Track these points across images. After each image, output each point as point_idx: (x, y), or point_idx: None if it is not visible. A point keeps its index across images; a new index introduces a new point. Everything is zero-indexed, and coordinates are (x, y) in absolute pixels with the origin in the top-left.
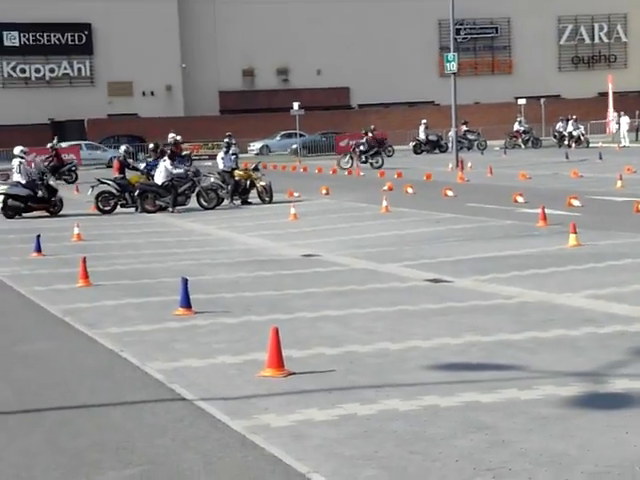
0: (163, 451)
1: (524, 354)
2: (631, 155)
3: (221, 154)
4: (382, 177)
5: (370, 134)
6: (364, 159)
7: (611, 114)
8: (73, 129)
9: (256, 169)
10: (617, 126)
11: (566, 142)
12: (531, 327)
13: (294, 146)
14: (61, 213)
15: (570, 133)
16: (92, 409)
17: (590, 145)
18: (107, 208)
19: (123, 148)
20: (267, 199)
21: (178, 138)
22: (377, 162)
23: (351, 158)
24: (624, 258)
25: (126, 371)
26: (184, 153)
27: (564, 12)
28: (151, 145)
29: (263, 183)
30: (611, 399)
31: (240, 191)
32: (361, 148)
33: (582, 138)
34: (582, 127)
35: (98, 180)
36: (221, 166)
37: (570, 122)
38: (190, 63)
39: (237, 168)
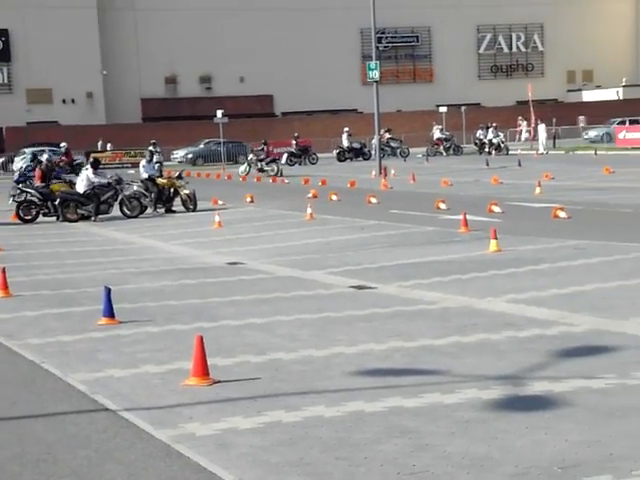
0: (86, 462)
1: (447, 359)
2: (549, 162)
3: (143, 162)
4: (306, 184)
5: (294, 141)
6: (260, 167)
7: (522, 122)
8: None
9: (180, 177)
10: (527, 135)
11: (487, 149)
12: (453, 332)
13: (189, 155)
14: None
15: (490, 140)
16: (12, 421)
17: (510, 152)
18: (29, 217)
19: (45, 156)
20: (191, 207)
21: (66, 146)
22: (272, 170)
23: (249, 165)
24: (542, 263)
25: (48, 382)
26: (76, 162)
27: (483, 22)
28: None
29: (187, 191)
30: (531, 401)
31: (164, 199)
32: (260, 157)
33: (502, 145)
34: (502, 134)
35: (19, 189)
36: (143, 174)
37: (490, 130)
38: (111, 70)
39: (160, 176)
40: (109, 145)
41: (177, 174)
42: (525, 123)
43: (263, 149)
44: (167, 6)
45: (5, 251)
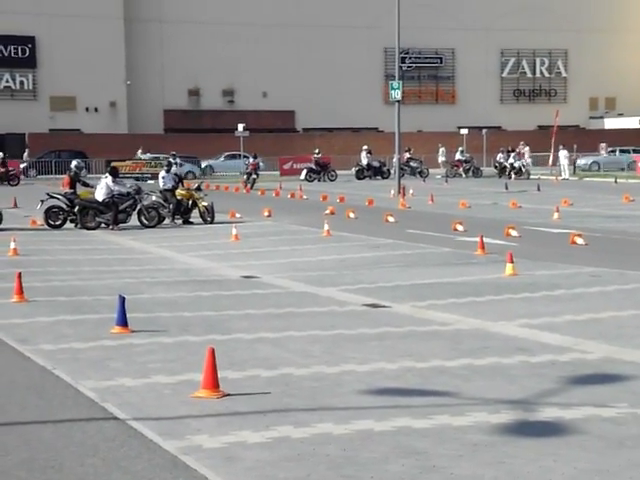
0: (92, 470)
1: (458, 381)
2: (568, 188)
3: (162, 173)
4: (324, 201)
5: (315, 156)
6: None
7: (523, 147)
8: (14, 143)
9: (198, 189)
10: (530, 160)
11: (507, 172)
12: (465, 354)
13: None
14: None
15: (512, 164)
16: (21, 426)
17: (530, 177)
18: (56, 223)
19: (74, 163)
20: (209, 219)
21: (1, 155)
22: (249, 181)
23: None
24: (558, 289)
25: (58, 389)
26: (11, 172)
27: (507, 46)
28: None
29: (205, 203)
30: (540, 427)
31: (182, 210)
32: (248, 170)
33: (523, 170)
34: (523, 159)
35: (48, 194)
36: (161, 185)
37: (512, 154)
38: (135, 80)
39: (178, 187)
40: (149, 154)
41: (196, 186)
42: (527, 148)
43: (249, 163)
44: (193, 19)
45: (22, 256)
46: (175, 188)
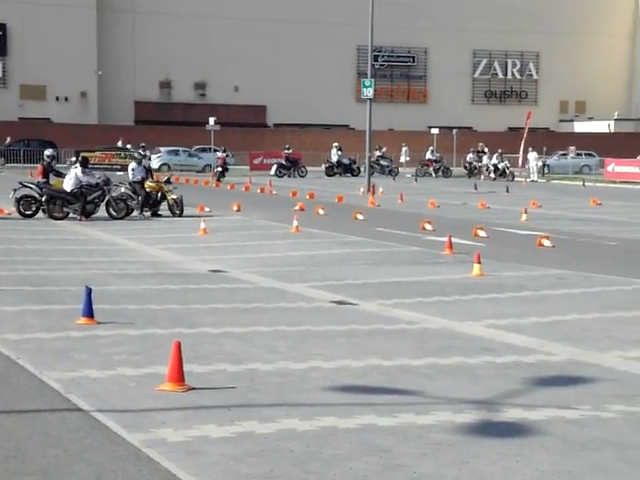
0: (55, 462)
1: (423, 380)
2: (537, 190)
3: (133, 164)
4: (294, 197)
5: (286, 152)
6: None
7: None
8: None
9: (168, 182)
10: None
11: (490, 175)
12: (431, 353)
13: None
14: None
15: (495, 165)
16: None
17: (515, 179)
18: (29, 212)
19: (47, 153)
20: (177, 212)
21: None
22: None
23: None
24: (524, 290)
25: (22, 379)
26: None
27: (479, 46)
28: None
29: (174, 196)
30: (504, 428)
31: (151, 203)
32: (217, 164)
33: (507, 171)
34: (507, 160)
35: (20, 183)
36: (131, 177)
37: (495, 155)
38: (106, 70)
39: (147, 179)
40: (129, 145)
41: (165, 178)
42: (430, 148)
43: (217, 157)
44: (167, 11)
45: None
46: (144, 180)
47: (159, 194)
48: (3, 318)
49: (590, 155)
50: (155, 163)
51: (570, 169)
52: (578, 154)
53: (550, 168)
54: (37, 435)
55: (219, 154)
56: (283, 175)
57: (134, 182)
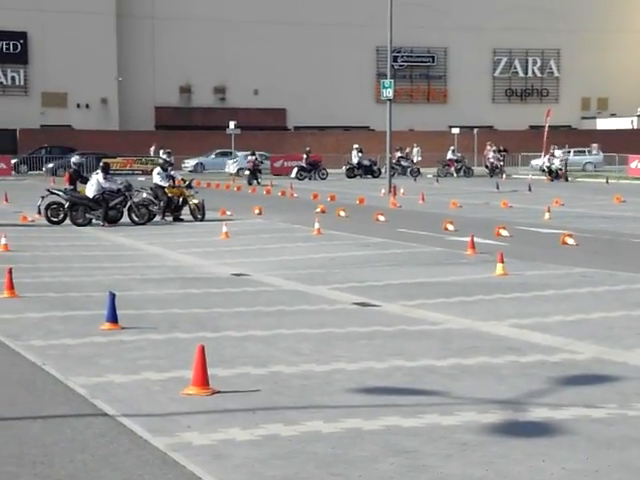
0: (82, 467)
1: (447, 380)
2: (560, 188)
3: (158, 169)
4: (315, 199)
5: (305, 155)
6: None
7: (489, 147)
8: (4, 138)
9: (189, 186)
10: (494, 161)
11: (549, 177)
12: (455, 354)
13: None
14: None
15: (549, 167)
16: (11, 422)
17: (569, 180)
18: (56, 219)
19: (73, 160)
20: (199, 217)
21: None
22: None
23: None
24: (548, 289)
25: (48, 385)
26: None
27: (499, 45)
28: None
29: (196, 201)
30: (530, 427)
31: (172, 208)
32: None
33: (560, 172)
34: (558, 160)
35: (48, 190)
36: (159, 181)
37: (548, 156)
38: (127, 77)
39: (173, 185)
40: (162, 151)
41: (187, 183)
42: (494, 148)
43: (248, 160)
44: (185, 16)
45: (13, 252)
46: (171, 186)
47: (180, 199)
48: (28, 325)
49: (590, 151)
50: (233, 168)
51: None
52: (581, 151)
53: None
54: (64, 440)
55: (248, 157)
56: (304, 178)
57: (156, 187)
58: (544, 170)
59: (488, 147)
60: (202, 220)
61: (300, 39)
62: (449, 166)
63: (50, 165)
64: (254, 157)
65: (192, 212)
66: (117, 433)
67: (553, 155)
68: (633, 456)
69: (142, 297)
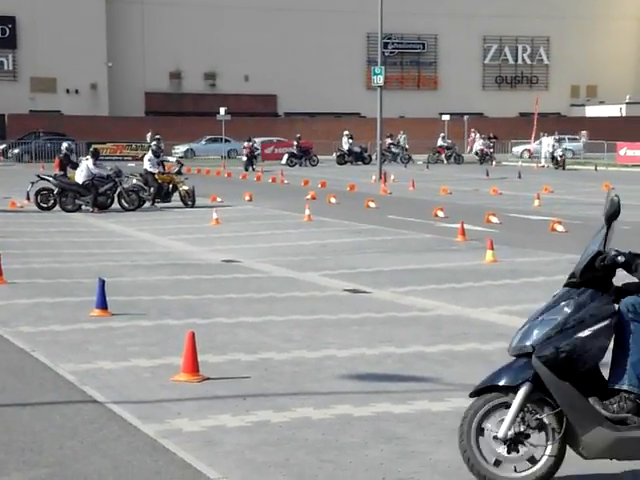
0: (71, 453)
1: (437, 366)
2: (549, 175)
3: (150, 155)
4: (306, 186)
5: (296, 142)
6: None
7: (474, 134)
8: None
9: (179, 172)
10: (480, 147)
11: (548, 164)
12: (445, 340)
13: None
14: None
15: (552, 153)
16: (0, 409)
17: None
18: (46, 205)
19: (64, 145)
20: (190, 203)
21: None
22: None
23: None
24: (538, 276)
25: (37, 371)
26: None
27: (489, 32)
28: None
29: (186, 187)
30: None
31: (162, 194)
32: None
33: (560, 159)
34: (557, 146)
35: (38, 176)
36: (149, 167)
37: (552, 139)
38: (116, 62)
39: (163, 172)
40: (148, 136)
41: (176, 170)
42: (478, 135)
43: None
44: (175, 1)
45: (1, 238)
46: (161, 173)
47: (170, 185)
48: (17, 311)
49: (574, 139)
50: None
51: (548, 154)
52: (561, 138)
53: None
54: (53, 427)
55: (245, 143)
56: (294, 164)
57: (147, 173)
58: (477, 153)
59: (472, 134)
60: (192, 206)
61: (291, 25)
62: (439, 153)
63: (16, 151)
64: (251, 143)
65: (182, 199)
66: (107, 420)
67: (540, 143)
68: None
69: (132, 283)
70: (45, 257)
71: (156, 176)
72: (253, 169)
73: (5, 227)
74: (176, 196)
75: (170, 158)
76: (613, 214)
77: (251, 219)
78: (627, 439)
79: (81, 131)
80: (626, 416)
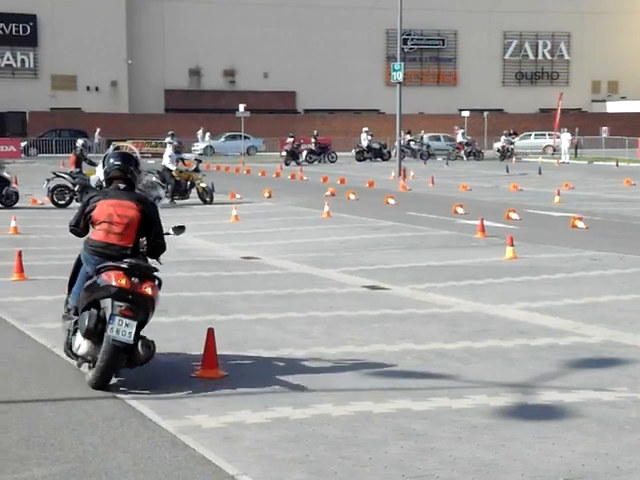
0: (92, 449)
1: (457, 363)
2: (570, 171)
3: (170, 151)
4: (325, 182)
5: (313, 139)
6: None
7: (457, 130)
8: (14, 121)
9: (197, 170)
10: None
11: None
12: (465, 337)
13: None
14: None
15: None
16: (21, 404)
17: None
18: (62, 202)
19: (80, 142)
20: (208, 200)
21: None
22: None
23: None
24: (558, 272)
25: (58, 367)
26: None
27: (509, 28)
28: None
29: (204, 184)
30: (540, 410)
31: (180, 191)
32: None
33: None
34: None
35: (54, 173)
36: (167, 162)
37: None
38: (136, 60)
39: (181, 170)
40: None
41: (194, 167)
42: (461, 131)
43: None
44: None
45: (22, 235)
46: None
47: (188, 182)
48: (39, 307)
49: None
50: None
51: (530, 150)
52: (542, 134)
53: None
54: (74, 423)
55: (288, 139)
56: (313, 161)
57: (164, 170)
58: (498, 150)
59: (456, 129)
60: (210, 203)
61: (310, 22)
62: (459, 149)
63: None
64: (292, 139)
65: (200, 195)
66: (127, 416)
67: (559, 137)
68: None
69: None
70: (65, 254)
71: (173, 173)
72: (298, 163)
73: (26, 224)
74: (194, 193)
75: (189, 155)
76: None
77: (270, 216)
78: None
79: (101, 128)
80: None
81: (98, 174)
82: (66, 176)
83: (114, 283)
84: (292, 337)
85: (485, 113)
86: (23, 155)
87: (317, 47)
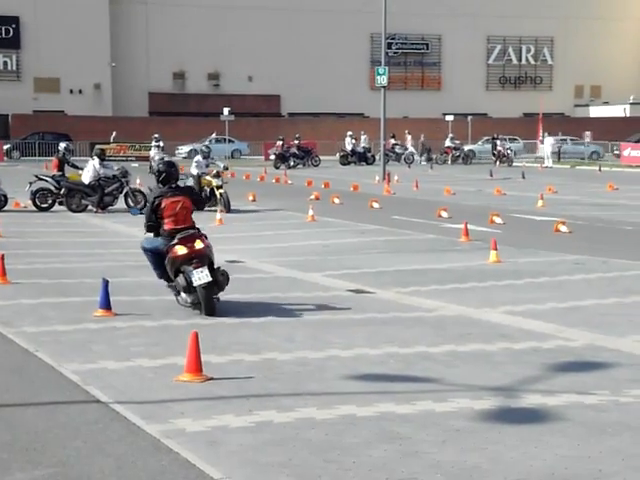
0: (74, 453)
1: (441, 367)
2: (553, 175)
3: (199, 157)
4: (309, 186)
5: (297, 142)
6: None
7: (407, 136)
8: None
9: (217, 176)
10: (412, 149)
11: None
12: (449, 340)
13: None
14: None
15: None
16: (3, 409)
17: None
18: (45, 205)
19: (63, 145)
20: (225, 208)
21: None
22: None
23: None
24: (541, 276)
25: (40, 371)
26: None
27: (493, 32)
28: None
29: (222, 191)
30: (523, 414)
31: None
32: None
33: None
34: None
35: (36, 176)
36: (195, 169)
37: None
38: (120, 62)
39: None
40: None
41: (214, 173)
42: (410, 137)
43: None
44: (179, 1)
45: (5, 238)
46: (201, 175)
47: (209, 189)
48: (21, 311)
49: (514, 140)
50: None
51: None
52: (502, 138)
53: (475, 154)
54: (56, 427)
55: (277, 143)
56: (297, 165)
57: (193, 175)
58: (493, 154)
59: (406, 135)
60: (228, 212)
61: (295, 26)
62: (447, 153)
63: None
64: (282, 143)
65: (218, 202)
66: (110, 420)
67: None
68: (625, 442)
69: (136, 283)
70: (48, 257)
71: (201, 180)
72: (288, 166)
73: (9, 227)
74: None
75: (220, 162)
76: None
77: (255, 219)
78: None
79: (84, 131)
80: None
81: (84, 177)
82: (49, 179)
83: (179, 253)
84: (276, 341)
85: (469, 117)
86: (6, 158)
87: (301, 51)
